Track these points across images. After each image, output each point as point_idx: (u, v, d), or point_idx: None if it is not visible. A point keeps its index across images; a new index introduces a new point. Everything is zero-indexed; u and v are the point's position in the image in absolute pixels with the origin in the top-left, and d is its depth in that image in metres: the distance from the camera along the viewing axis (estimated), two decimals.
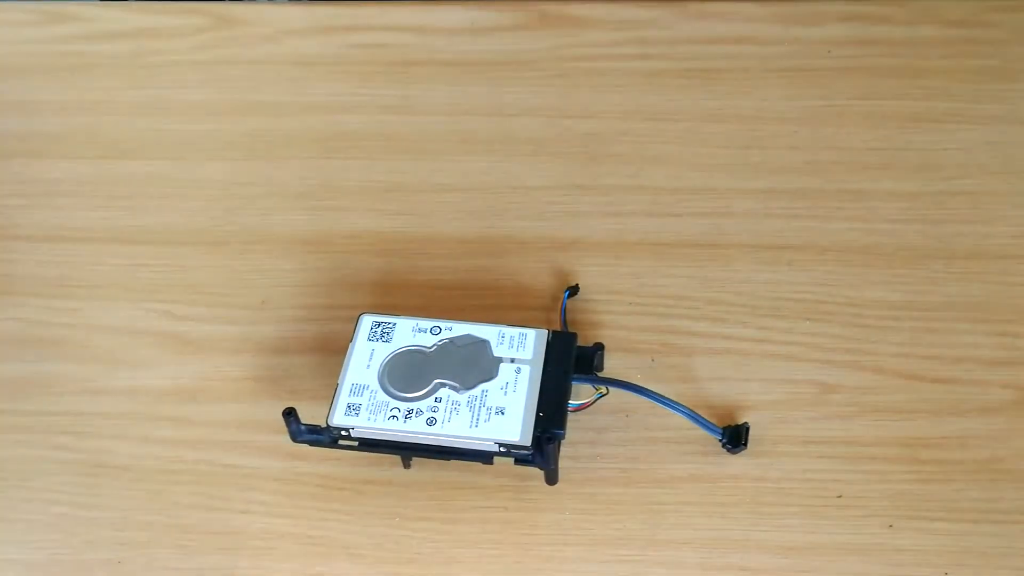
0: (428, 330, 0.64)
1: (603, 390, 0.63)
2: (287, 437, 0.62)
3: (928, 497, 0.63)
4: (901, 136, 0.77)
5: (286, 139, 0.77)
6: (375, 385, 0.62)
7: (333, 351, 0.68)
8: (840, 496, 0.63)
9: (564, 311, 0.67)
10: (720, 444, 0.64)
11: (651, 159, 0.77)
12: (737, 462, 0.64)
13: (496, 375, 0.62)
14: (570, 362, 0.63)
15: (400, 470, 0.64)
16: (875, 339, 0.68)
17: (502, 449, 0.60)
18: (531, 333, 0.63)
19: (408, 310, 0.66)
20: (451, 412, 0.61)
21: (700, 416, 0.63)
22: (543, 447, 0.59)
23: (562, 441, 0.60)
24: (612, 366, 0.66)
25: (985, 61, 0.80)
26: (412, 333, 0.64)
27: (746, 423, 0.64)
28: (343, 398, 0.61)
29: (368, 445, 0.61)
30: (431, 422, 0.60)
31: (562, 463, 0.64)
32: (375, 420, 0.61)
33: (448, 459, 0.62)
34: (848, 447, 0.65)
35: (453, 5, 0.85)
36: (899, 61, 0.81)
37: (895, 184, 0.75)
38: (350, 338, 0.64)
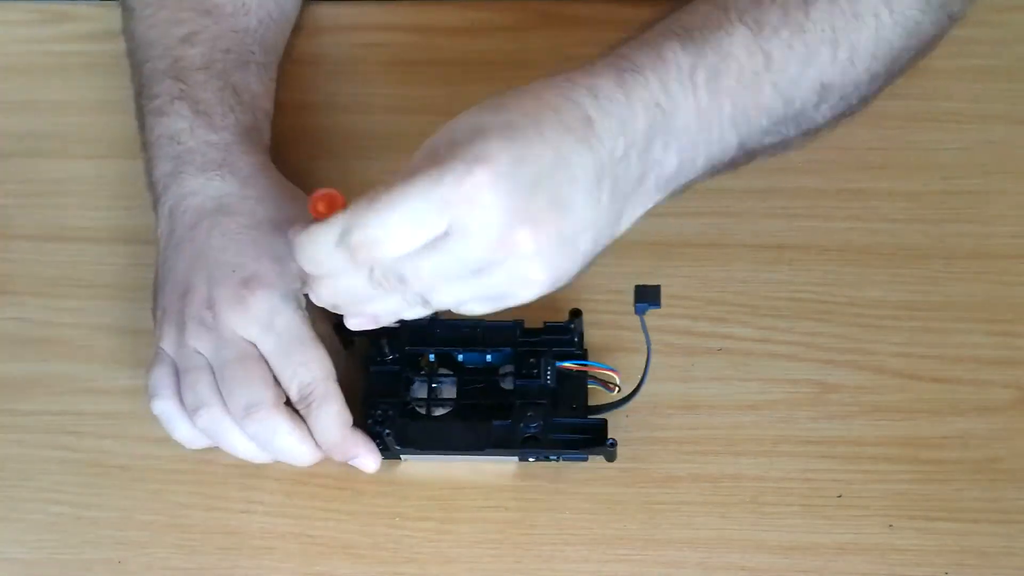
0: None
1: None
2: None
3: (928, 497, 0.63)
4: (901, 136, 0.77)
5: (285, 139, 0.77)
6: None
7: (335, 352, 0.68)
8: (840, 496, 0.63)
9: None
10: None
11: None
12: (737, 462, 0.64)
13: None
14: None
15: (400, 470, 0.64)
16: (875, 339, 0.68)
17: None
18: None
19: None
20: None
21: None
22: None
23: None
24: (618, 364, 0.66)
25: (985, 61, 0.80)
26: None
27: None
28: None
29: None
30: None
31: (561, 462, 0.64)
32: None
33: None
34: (848, 447, 0.65)
35: (453, 5, 0.85)
36: None
37: (895, 184, 0.75)
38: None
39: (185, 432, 0.64)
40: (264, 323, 0.62)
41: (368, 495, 0.64)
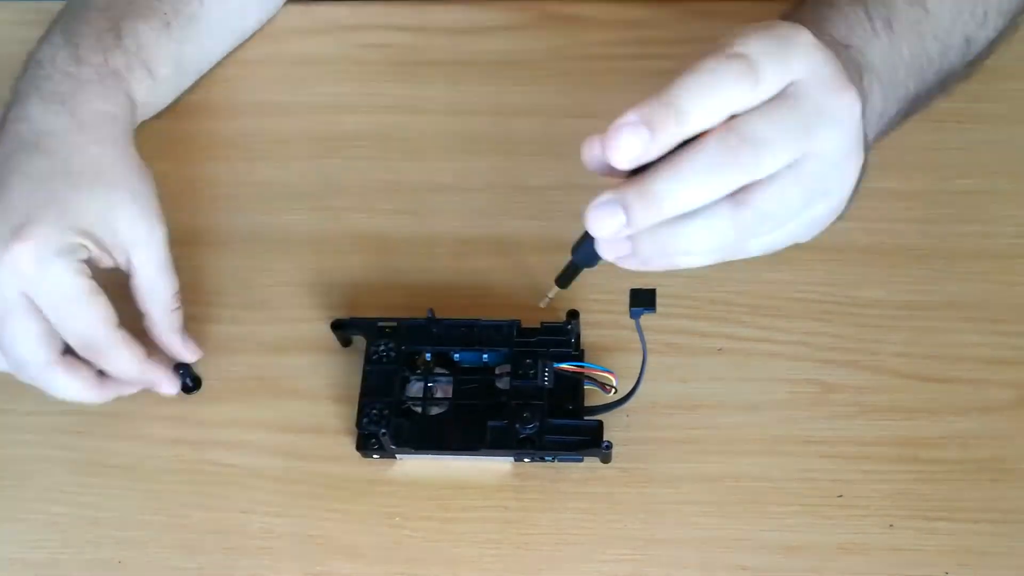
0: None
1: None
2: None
3: (928, 497, 0.63)
4: (902, 135, 0.77)
5: (286, 139, 0.77)
6: None
7: (333, 351, 0.68)
8: (840, 496, 0.63)
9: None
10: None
11: None
12: (737, 462, 0.64)
13: None
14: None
15: (400, 470, 0.64)
16: (875, 339, 0.68)
17: None
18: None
19: (408, 310, 0.67)
20: None
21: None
22: None
23: None
24: (615, 365, 0.66)
25: (985, 61, 0.80)
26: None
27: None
28: None
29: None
30: None
31: (560, 462, 0.64)
32: None
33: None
34: (848, 447, 0.65)
35: (453, 5, 0.85)
36: None
37: (895, 184, 0.75)
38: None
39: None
40: (33, 278, 0.60)
41: (368, 495, 0.64)
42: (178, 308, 0.66)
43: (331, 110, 0.80)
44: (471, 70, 0.82)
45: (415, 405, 0.65)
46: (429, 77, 0.82)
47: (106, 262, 0.64)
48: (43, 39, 0.71)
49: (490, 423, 0.63)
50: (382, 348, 0.66)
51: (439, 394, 0.65)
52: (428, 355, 0.66)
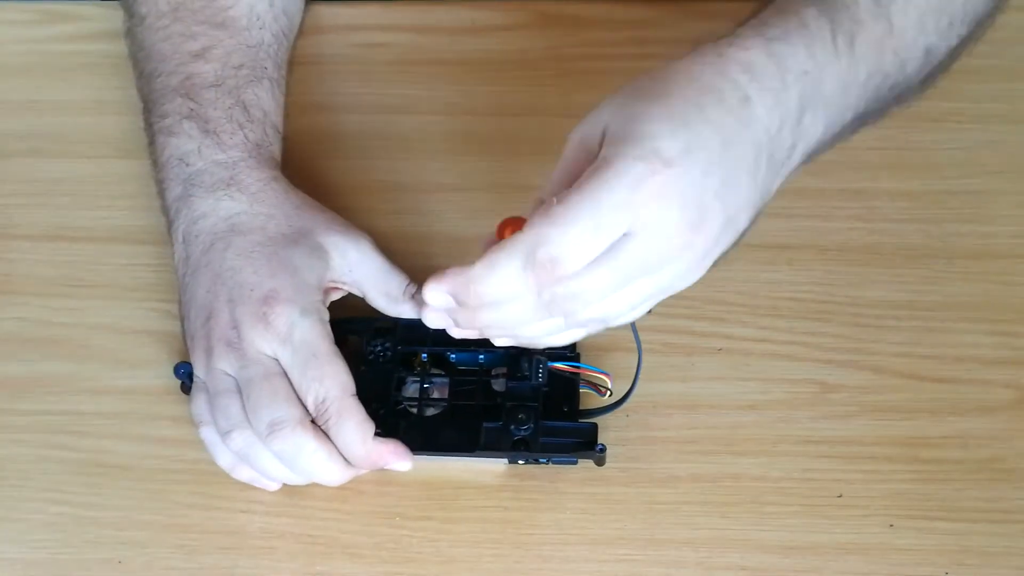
0: None
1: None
2: None
3: (928, 497, 0.63)
4: (902, 135, 0.77)
5: (286, 138, 0.77)
6: None
7: None
8: (840, 496, 0.63)
9: None
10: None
11: None
12: (737, 462, 0.64)
13: None
14: None
15: (400, 470, 0.64)
16: (875, 339, 0.68)
17: None
18: None
19: None
20: None
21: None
22: None
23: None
24: (612, 365, 0.66)
25: (985, 61, 0.80)
26: None
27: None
28: None
29: None
30: None
31: (560, 463, 0.64)
32: None
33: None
34: (848, 447, 0.65)
35: (453, 5, 0.85)
36: None
37: (896, 183, 0.75)
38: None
39: (226, 458, 0.64)
40: (283, 337, 0.62)
41: (368, 495, 0.64)
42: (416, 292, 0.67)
43: (332, 110, 0.81)
44: (471, 70, 0.82)
45: (411, 406, 0.65)
46: (429, 77, 0.82)
47: (334, 296, 0.67)
48: (170, 131, 0.70)
49: (485, 424, 0.63)
50: (378, 348, 0.66)
51: (435, 395, 0.65)
52: (424, 356, 0.66)
